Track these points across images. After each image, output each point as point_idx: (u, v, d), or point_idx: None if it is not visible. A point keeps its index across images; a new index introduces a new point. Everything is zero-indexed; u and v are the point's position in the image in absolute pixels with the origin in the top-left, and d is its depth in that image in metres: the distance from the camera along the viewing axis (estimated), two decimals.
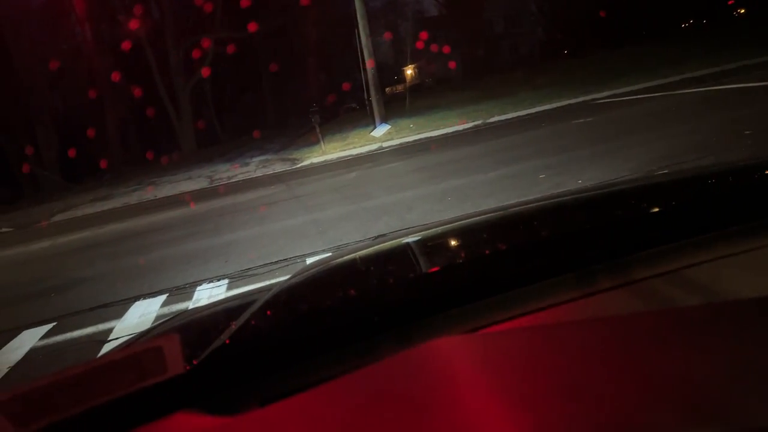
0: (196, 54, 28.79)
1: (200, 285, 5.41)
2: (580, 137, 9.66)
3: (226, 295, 4.86)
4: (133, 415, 0.63)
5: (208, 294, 5.10)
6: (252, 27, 18.82)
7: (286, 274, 4.71)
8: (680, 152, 6.59)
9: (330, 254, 1.61)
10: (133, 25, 29.60)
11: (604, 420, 0.39)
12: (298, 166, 15.57)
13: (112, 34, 29.92)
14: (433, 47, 29.05)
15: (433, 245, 1.13)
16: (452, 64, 40.35)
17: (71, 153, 25.58)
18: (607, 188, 1.40)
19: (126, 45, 26.84)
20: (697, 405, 0.39)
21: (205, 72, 21.09)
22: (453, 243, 1.13)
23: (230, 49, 22.57)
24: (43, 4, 28.56)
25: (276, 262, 5.56)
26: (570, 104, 15.29)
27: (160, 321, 1.56)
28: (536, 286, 0.74)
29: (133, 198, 16.53)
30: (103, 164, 24.60)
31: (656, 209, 1.03)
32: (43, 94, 27.11)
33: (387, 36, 40.31)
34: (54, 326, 5.03)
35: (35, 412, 0.77)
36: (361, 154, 15.25)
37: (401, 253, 1.11)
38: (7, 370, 4.28)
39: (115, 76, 25.17)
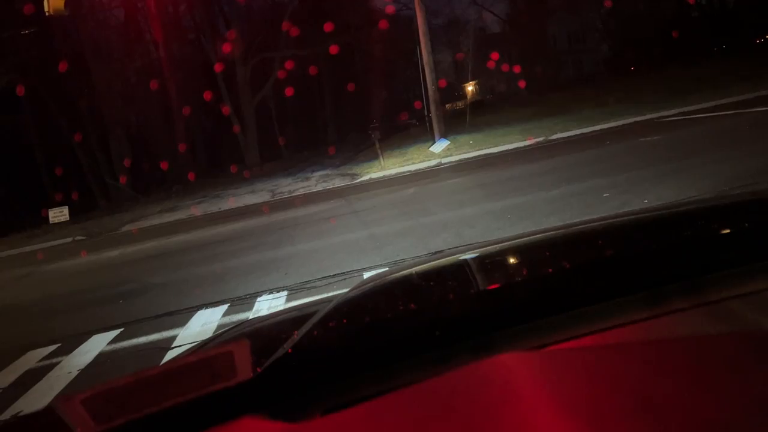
0: (262, 71, 29.63)
1: (260, 296, 5.52)
2: (646, 156, 9.38)
3: (285, 306, 4.94)
4: (201, 418, 0.65)
5: (268, 305, 5.20)
6: (333, 50, 19.19)
7: (343, 288, 4.75)
8: (751, 174, 6.31)
9: (388, 269, 1.61)
10: (204, 44, 30.80)
11: None
12: (358, 181, 15.70)
13: (183, 51, 31.16)
14: (495, 63, 28.91)
15: (496, 261, 1.12)
16: (514, 81, 40.04)
17: (142, 165, 26.70)
18: (677, 207, 1.35)
19: (197, 63, 27.89)
20: None
21: (288, 91, 21.51)
22: (518, 259, 1.12)
23: (295, 66, 23.05)
24: (119, 24, 30.11)
25: (333, 276, 5.62)
26: (636, 122, 14.88)
27: (222, 330, 1.61)
28: (605, 305, 0.73)
29: (199, 210, 17.04)
30: (171, 176, 25.51)
31: (732, 229, 0.99)
32: (117, 108, 28.42)
33: (458, 56, 40.41)
34: (121, 332, 5.22)
35: (110, 411, 0.80)
36: (420, 169, 15.26)
37: (464, 268, 1.10)
38: (77, 372, 4.47)
39: (186, 93, 26.16)
